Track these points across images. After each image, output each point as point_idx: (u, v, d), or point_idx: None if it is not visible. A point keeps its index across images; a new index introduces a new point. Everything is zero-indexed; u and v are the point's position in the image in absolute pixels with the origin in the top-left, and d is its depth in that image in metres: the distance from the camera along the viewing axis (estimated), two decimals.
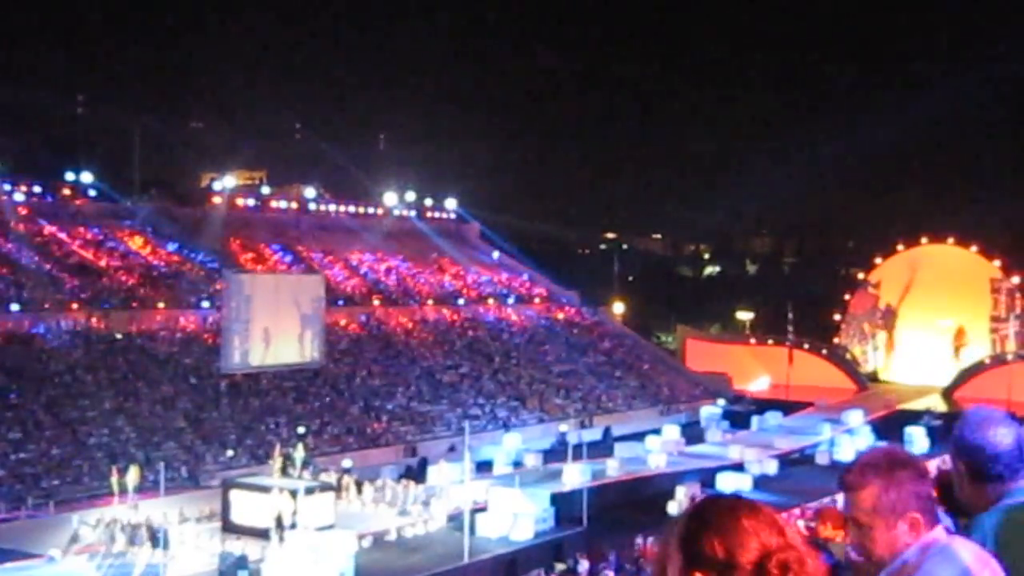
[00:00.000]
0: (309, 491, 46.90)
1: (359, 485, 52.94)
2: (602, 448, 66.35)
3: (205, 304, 72.51)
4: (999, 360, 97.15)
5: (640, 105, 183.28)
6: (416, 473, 58.77)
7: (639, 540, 44.10)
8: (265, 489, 46.38)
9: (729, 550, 2.84)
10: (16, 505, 49.54)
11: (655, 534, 42.72)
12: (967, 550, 3.56)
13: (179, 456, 58.36)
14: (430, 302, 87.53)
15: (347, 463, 57.18)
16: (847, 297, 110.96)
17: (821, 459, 68.29)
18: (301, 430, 61.33)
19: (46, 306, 66.04)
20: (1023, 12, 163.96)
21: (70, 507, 48.46)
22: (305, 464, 52.49)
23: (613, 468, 61.23)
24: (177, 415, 62.13)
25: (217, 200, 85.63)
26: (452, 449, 64.72)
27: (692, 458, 66.83)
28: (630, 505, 52.92)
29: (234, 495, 47.05)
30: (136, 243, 78.37)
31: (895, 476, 3.60)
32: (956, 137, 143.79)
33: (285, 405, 66.87)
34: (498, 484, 53.39)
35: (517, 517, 48.27)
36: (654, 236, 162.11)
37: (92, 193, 79.01)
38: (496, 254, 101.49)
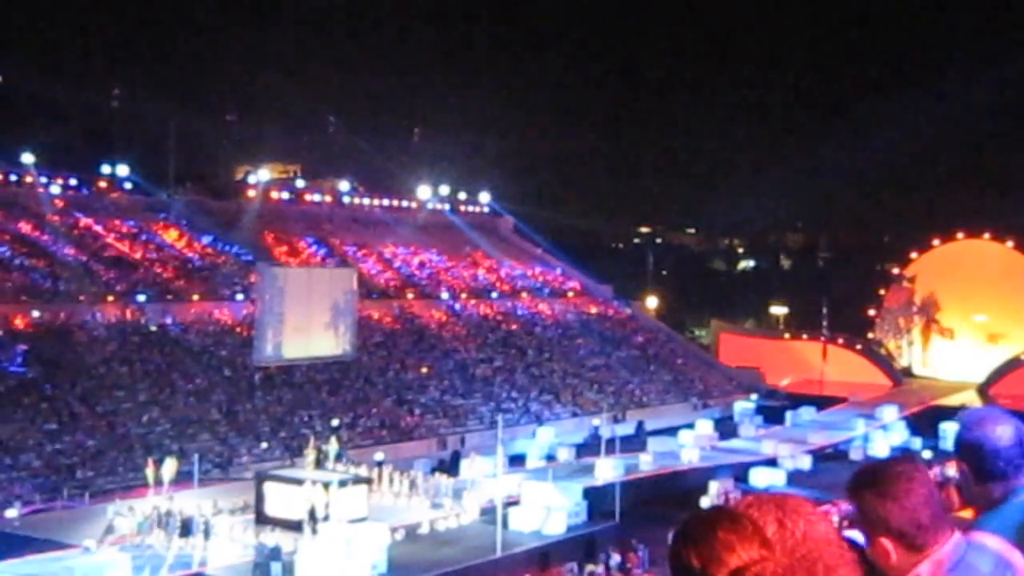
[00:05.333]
0: (342, 483, 47.01)
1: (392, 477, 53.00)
2: (635, 442, 66.26)
3: (239, 297, 72.82)
4: None
5: (674, 99, 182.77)
6: (449, 466, 58.81)
7: (671, 535, 43.97)
8: (298, 481, 46.51)
9: (704, 564, 2.85)
10: (52, 496, 49.97)
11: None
12: (985, 560, 3.57)
13: (213, 448, 58.64)
14: (463, 296, 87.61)
15: (380, 456, 57.28)
16: (882, 292, 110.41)
17: (855, 455, 67.91)
18: (335, 423, 61.54)
19: (82, 298, 66.45)
20: None
21: (105, 498, 48.76)
22: (338, 457, 52.62)
23: (646, 462, 61.10)
24: (211, 407, 62.44)
25: (252, 193, 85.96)
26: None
27: (725, 453, 66.65)
28: (663, 500, 52.72)
29: (268, 487, 47.19)
30: (171, 236, 78.80)
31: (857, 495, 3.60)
32: (992, 131, 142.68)
33: (318, 398, 67.09)
34: (531, 478, 53.39)
35: (550, 511, 48.25)
36: (688, 230, 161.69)
37: (128, 186, 79.50)
38: (539, 251, 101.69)
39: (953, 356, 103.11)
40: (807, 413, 79.69)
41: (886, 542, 3.50)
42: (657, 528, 45.18)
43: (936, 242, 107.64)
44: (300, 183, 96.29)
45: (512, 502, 48.53)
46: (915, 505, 3.48)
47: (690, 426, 72.10)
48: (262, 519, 45.90)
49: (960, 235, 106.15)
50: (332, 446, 52.71)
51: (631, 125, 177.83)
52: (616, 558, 41.43)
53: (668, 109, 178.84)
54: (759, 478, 58.77)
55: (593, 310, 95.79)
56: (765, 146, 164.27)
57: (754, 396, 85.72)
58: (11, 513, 46.65)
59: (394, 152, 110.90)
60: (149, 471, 49.04)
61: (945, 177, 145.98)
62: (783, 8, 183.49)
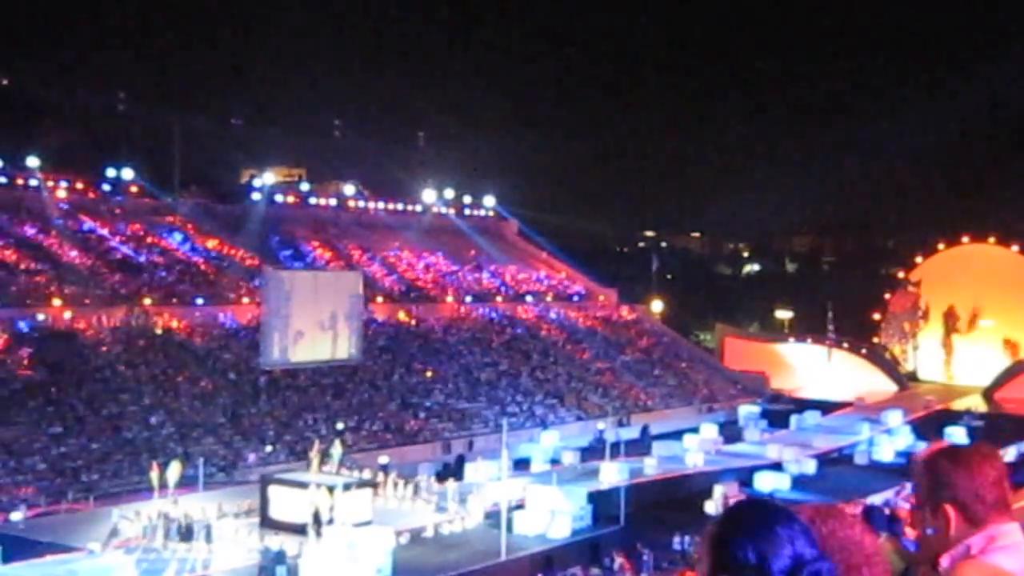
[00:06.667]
0: (347, 487, 47.01)
1: (396, 482, 52.98)
2: (640, 446, 66.19)
3: (245, 300, 72.86)
4: None
5: (680, 103, 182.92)
6: (453, 470, 58.80)
7: (676, 539, 44.06)
8: (303, 485, 46.52)
9: (762, 557, 2.83)
10: (57, 499, 49.98)
11: (692, 533, 42.65)
12: None
13: (218, 451, 58.65)
14: (468, 299, 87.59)
15: (384, 460, 57.27)
16: (887, 296, 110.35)
17: (860, 459, 67.89)
18: (340, 426, 61.53)
19: (87, 301, 66.49)
20: None
21: (110, 501, 48.79)
22: (342, 461, 52.61)
23: (651, 466, 61.02)
24: (216, 410, 62.44)
25: (257, 196, 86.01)
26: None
27: (730, 457, 66.53)
28: (668, 504, 52.79)
29: (272, 491, 47.20)
30: (176, 239, 78.85)
31: (932, 460, 3.85)
32: (997, 135, 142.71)
33: (323, 401, 67.08)
34: (536, 482, 53.36)
35: (554, 515, 48.21)
36: (693, 234, 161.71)
37: (133, 189, 79.60)
38: (544, 255, 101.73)
39: (959, 360, 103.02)
40: (812, 417, 79.56)
41: (949, 509, 3.72)
42: (662, 532, 45.39)
43: (941, 246, 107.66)
44: (305, 187, 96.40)
45: (517, 506, 48.54)
46: (983, 480, 3.71)
47: (695, 430, 72.00)
48: (267, 522, 45.91)
49: (965, 239, 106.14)
50: (336, 450, 52.71)
51: (636, 129, 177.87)
52: (619, 562, 41.42)
53: (673, 113, 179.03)
54: (764, 482, 58.70)
55: (598, 314, 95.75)
56: (770, 150, 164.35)
57: (759, 400, 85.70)
58: (16, 516, 46.69)
59: (399, 156, 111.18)
60: (154, 474, 49.04)
61: (950, 181, 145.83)
62: (788, 12, 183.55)
